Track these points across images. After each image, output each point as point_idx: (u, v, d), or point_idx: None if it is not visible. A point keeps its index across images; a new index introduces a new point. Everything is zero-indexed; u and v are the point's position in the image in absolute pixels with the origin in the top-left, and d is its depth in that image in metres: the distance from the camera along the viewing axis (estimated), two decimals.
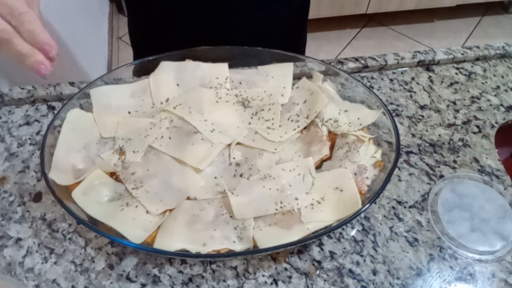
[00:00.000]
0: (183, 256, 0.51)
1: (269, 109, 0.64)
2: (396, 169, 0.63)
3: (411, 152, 0.66)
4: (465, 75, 0.78)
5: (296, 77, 0.68)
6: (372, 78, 0.76)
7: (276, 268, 0.53)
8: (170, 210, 0.53)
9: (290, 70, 0.68)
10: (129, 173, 0.56)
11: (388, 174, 0.53)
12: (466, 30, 2.27)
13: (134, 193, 0.54)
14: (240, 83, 0.67)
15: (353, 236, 0.56)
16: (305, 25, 0.90)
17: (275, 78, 0.67)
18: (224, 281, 0.52)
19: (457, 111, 0.72)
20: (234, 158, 0.58)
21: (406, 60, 0.78)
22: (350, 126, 0.61)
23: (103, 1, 2.10)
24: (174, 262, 0.53)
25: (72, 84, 0.70)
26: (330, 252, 0.55)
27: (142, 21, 0.84)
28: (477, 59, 0.81)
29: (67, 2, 1.22)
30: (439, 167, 0.64)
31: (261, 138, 0.61)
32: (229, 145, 0.60)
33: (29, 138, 0.65)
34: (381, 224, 0.58)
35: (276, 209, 0.52)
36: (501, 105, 0.74)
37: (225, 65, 0.67)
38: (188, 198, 0.54)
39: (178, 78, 0.66)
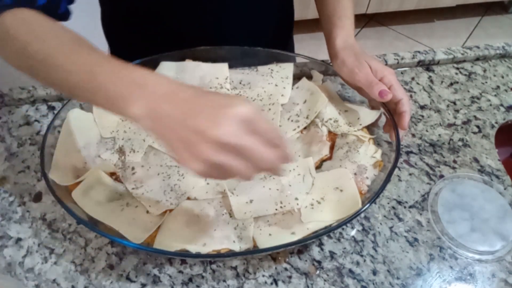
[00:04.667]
0: (183, 256, 0.51)
1: (269, 109, 0.64)
2: (396, 169, 0.63)
3: (411, 152, 0.66)
4: (465, 75, 0.78)
5: (296, 77, 0.68)
6: None
7: (276, 268, 0.53)
8: (170, 210, 0.53)
9: (290, 70, 0.68)
10: (129, 173, 0.56)
11: (388, 174, 0.52)
12: (466, 30, 2.27)
13: (134, 193, 0.54)
14: (240, 83, 0.67)
15: (353, 236, 0.56)
16: (290, 34, 0.89)
17: (275, 78, 0.67)
18: (224, 281, 0.52)
19: (457, 111, 0.72)
20: None
21: (406, 60, 0.78)
22: (350, 126, 0.61)
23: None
24: (174, 262, 0.53)
25: None
26: (330, 252, 0.55)
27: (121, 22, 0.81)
28: (477, 59, 0.81)
29: None
30: (439, 167, 0.64)
31: None
32: None
33: (29, 138, 0.65)
34: (381, 224, 0.58)
35: (276, 209, 0.52)
36: (501, 105, 0.74)
37: (225, 65, 0.67)
38: (188, 198, 0.54)
39: (178, 78, 0.66)
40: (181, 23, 0.72)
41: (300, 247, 0.55)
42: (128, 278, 0.52)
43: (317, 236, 0.51)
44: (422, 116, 0.71)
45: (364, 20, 2.27)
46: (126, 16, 0.76)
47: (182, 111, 0.37)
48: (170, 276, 0.52)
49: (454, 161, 0.65)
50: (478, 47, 0.81)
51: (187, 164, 0.37)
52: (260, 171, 0.39)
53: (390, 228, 0.57)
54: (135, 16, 0.74)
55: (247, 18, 0.75)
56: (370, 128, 0.62)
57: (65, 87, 0.44)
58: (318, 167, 0.58)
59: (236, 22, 0.74)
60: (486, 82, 0.77)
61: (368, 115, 0.62)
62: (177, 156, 0.38)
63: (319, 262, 0.54)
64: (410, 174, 0.63)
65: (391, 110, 0.59)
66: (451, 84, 0.76)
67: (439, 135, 0.68)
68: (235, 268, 0.53)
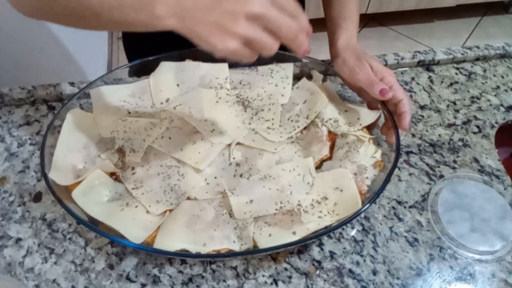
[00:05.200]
0: (183, 256, 0.51)
1: (269, 109, 0.64)
2: (396, 169, 0.63)
3: (411, 152, 0.66)
4: (465, 75, 0.78)
5: (296, 77, 0.68)
6: None
7: (276, 268, 0.53)
8: (170, 210, 0.53)
9: (290, 70, 0.68)
10: (129, 173, 0.56)
11: (388, 174, 0.52)
12: (466, 30, 2.27)
13: (134, 193, 0.54)
14: (240, 83, 0.67)
15: (353, 236, 0.56)
16: None
17: (275, 78, 0.67)
18: (224, 281, 0.52)
19: (457, 111, 0.72)
20: (234, 158, 0.58)
21: (406, 60, 0.78)
22: (350, 126, 0.61)
23: None
24: (174, 262, 0.53)
25: (72, 84, 0.70)
26: (330, 252, 0.55)
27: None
28: (477, 59, 0.81)
29: None
30: (439, 167, 0.64)
31: (261, 138, 0.61)
32: (229, 145, 0.60)
33: (29, 138, 0.65)
34: (381, 224, 0.58)
35: (276, 209, 0.52)
36: (501, 105, 0.74)
37: (225, 65, 0.67)
38: (188, 198, 0.54)
39: (178, 78, 0.66)
40: None
41: (300, 247, 0.55)
42: (128, 278, 0.52)
43: (317, 236, 0.51)
44: (422, 116, 0.71)
45: (364, 20, 2.27)
46: None
47: (207, 0, 0.40)
48: (170, 276, 0.52)
49: (454, 161, 0.65)
50: (478, 47, 0.81)
51: (222, 44, 0.40)
52: (284, 41, 0.42)
53: (390, 228, 0.57)
54: None
55: None
56: (370, 128, 0.62)
57: (90, 12, 0.43)
58: (318, 167, 0.58)
59: None
60: (486, 82, 0.77)
61: (368, 115, 0.62)
62: (210, 43, 0.40)
63: (319, 262, 0.54)
64: (410, 174, 0.63)
65: (391, 112, 0.59)
66: (451, 84, 0.76)
67: (439, 135, 0.68)
68: (235, 268, 0.53)
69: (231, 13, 0.39)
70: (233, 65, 0.68)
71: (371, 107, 0.63)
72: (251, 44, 0.41)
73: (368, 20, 2.28)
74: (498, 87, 0.76)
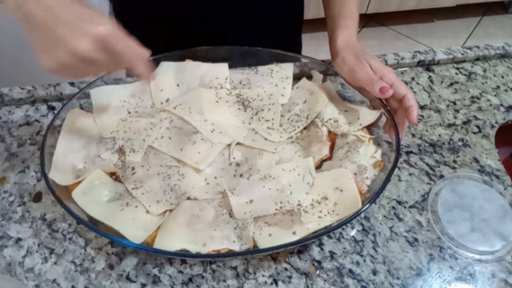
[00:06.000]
0: (183, 256, 0.51)
1: (269, 109, 0.64)
2: (396, 169, 0.63)
3: (411, 152, 0.66)
4: (465, 75, 0.78)
5: (296, 77, 0.68)
6: None
7: (276, 268, 0.53)
8: (170, 210, 0.53)
9: (290, 70, 0.68)
10: (129, 173, 0.56)
11: (388, 174, 0.52)
12: (466, 30, 2.27)
13: (134, 193, 0.54)
14: (240, 83, 0.67)
15: (353, 236, 0.56)
16: (299, 32, 0.90)
17: (275, 78, 0.67)
18: (224, 281, 0.52)
19: (457, 111, 0.72)
20: (234, 158, 0.58)
21: (406, 60, 0.78)
22: (350, 126, 0.61)
23: (103, 1, 2.09)
24: (174, 262, 0.53)
25: (72, 84, 0.70)
26: (330, 252, 0.55)
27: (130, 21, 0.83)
28: (477, 59, 0.81)
29: None
30: (439, 167, 0.64)
31: (261, 138, 0.61)
32: (229, 145, 0.60)
33: (29, 138, 0.65)
34: (381, 224, 0.58)
35: (276, 209, 0.52)
36: (501, 105, 0.74)
37: (225, 65, 0.67)
38: (188, 198, 0.54)
39: (178, 78, 0.66)
40: (187, 18, 0.73)
41: (300, 247, 0.55)
42: (128, 278, 0.52)
43: (317, 236, 0.51)
44: (422, 116, 0.71)
45: (364, 20, 2.27)
46: (134, 10, 0.77)
47: (47, 16, 0.42)
48: (170, 276, 0.52)
49: (454, 161, 0.65)
50: (478, 47, 0.81)
51: (41, 61, 0.43)
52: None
53: (390, 228, 0.57)
54: (144, 11, 0.75)
55: (255, 13, 0.75)
56: (370, 128, 0.62)
57: None
58: (318, 167, 0.58)
59: (243, 17, 0.74)
60: (486, 82, 0.77)
61: (368, 115, 0.62)
62: (35, 53, 0.43)
63: (319, 262, 0.54)
64: (410, 174, 0.63)
65: (395, 109, 0.59)
66: (451, 84, 0.76)
67: (439, 135, 0.68)
68: (235, 268, 0.53)
69: (61, 41, 0.42)
70: (233, 65, 0.68)
71: (373, 105, 0.63)
72: (71, 71, 0.45)
73: (368, 20, 2.28)
74: (498, 87, 0.76)
